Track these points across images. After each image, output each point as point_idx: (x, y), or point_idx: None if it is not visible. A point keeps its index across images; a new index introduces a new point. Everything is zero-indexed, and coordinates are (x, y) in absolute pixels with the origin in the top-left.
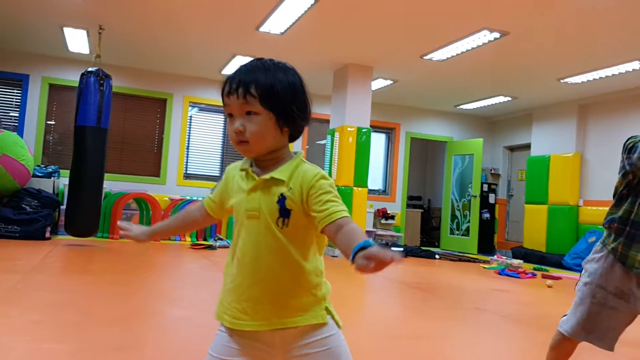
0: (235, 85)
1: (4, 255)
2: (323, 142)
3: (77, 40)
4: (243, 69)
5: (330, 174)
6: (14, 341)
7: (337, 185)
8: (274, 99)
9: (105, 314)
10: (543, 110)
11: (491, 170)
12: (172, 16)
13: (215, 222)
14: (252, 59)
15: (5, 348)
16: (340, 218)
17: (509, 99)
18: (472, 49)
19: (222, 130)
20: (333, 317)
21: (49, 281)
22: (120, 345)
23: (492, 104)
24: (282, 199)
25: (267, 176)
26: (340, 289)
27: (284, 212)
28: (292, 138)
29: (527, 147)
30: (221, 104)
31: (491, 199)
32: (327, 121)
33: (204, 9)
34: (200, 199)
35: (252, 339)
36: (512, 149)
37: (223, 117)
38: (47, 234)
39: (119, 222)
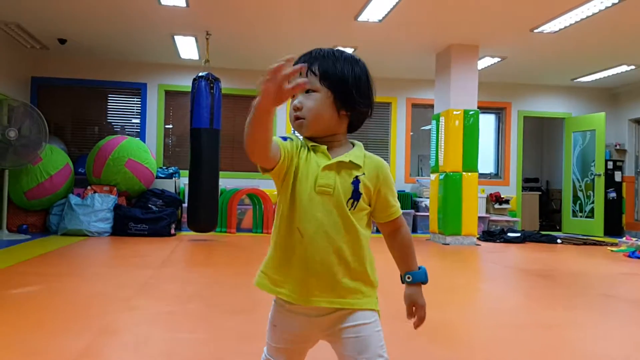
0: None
1: (136, 252)
2: (428, 127)
3: (187, 47)
4: (312, 53)
5: (437, 160)
6: (151, 331)
7: (444, 172)
8: (333, 78)
9: (230, 304)
10: None
11: (616, 145)
12: (272, 16)
13: (261, 165)
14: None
15: (144, 337)
16: (398, 217)
17: (633, 67)
18: (588, 17)
19: None
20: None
21: (177, 274)
22: (247, 333)
23: (613, 74)
24: (356, 181)
25: (345, 159)
26: (453, 276)
27: (356, 195)
28: (352, 127)
29: None
30: None
31: (617, 176)
32: (431, 106)
33: (303, 5)
34: None
35: (304, 313)
36: (638, 121)
37: None
38: (172, 231)
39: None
